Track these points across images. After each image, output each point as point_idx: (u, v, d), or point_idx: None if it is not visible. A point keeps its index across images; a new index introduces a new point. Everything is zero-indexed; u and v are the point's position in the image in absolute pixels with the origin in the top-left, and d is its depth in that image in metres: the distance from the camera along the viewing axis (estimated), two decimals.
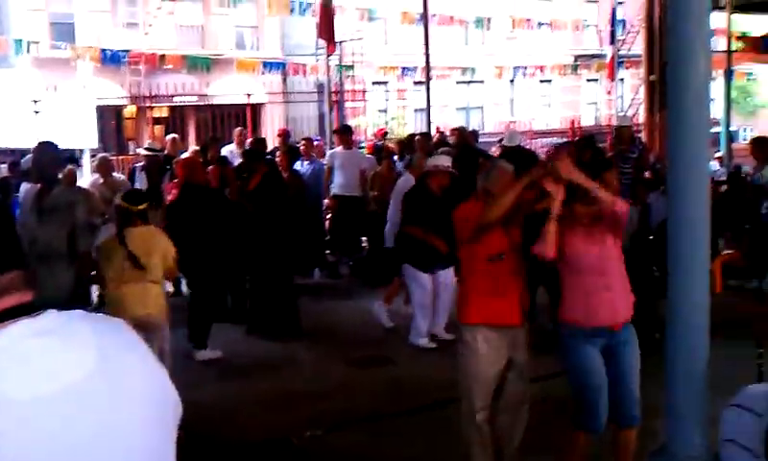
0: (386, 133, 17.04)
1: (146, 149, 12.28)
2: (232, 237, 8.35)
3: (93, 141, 19.42)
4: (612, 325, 4.56)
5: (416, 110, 24.95)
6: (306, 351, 8.30)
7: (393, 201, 9.31)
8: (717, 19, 18.85)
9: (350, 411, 6.59)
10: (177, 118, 21.21)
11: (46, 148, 8.31)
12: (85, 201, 8.22)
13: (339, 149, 12.27)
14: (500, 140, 12.93)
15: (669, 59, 2.25)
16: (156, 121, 22.66)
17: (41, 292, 1.56)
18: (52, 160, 8.10)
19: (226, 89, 21.50)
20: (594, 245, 4.57)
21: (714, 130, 21.87)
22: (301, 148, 12.68)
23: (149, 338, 6.01)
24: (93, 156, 16.87)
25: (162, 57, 20.57)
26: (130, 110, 26.42)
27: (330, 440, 6.08)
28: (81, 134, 18.60)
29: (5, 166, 15.25)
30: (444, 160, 8.24)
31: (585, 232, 4.59)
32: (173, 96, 19.45)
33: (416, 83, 23.77)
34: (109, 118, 21.59)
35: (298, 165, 12.17)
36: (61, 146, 17.44)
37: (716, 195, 11.62)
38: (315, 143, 13.99)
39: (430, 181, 8.00)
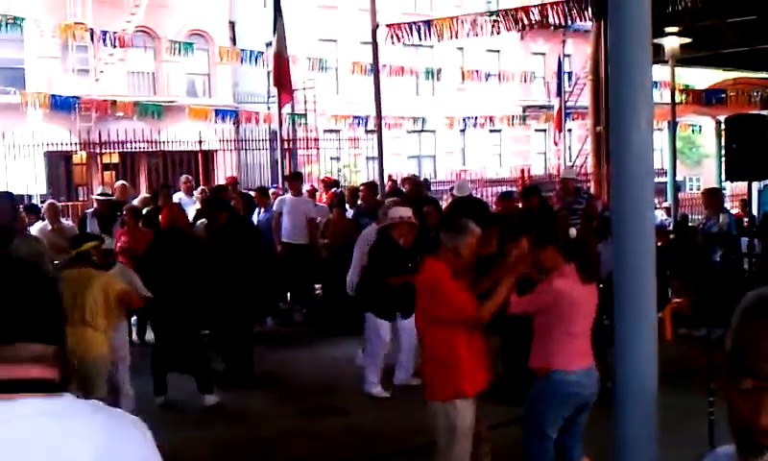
0: (336, 181, 17.12)
1: (99, 194, 12.20)
2: (202, 284, 8.16)
3: (42, 187, 19.26)
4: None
5: (368, 158, 25.12)
6: (260, 400, 8.24)
7: (357, 248, 9.20)
8: (662, 72, 19.38)
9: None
10: (128, 164, 21.07)
11: (2, 199, 8.12)
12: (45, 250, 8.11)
13: (288, 195, 12.28)
14: (451, 189, 13.10)
15: (611, 113, 2.36)
16: (107, 167, 22.50)
17: None
18: (8, 212, 7.92)
19: (177, 136, 21.44)
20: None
21: (660, 180, 22.38)
22: (255, 197, 12.70)
23: (91, 379, 5.96)
24: (42, 201, 16.67)
25: (114, 103, 20.48)
26: (79, 156, 26.17)
27: None
28: (29, 180, 18.45)
29: None
30: (406, 212, 8.24)
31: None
32: (124, 142, 19.35)
33: (367, 131, 23.96)
34: (59, 164, 21.37)
35: (255, 213, 12.21)
36: (11, 191, 17.27)
37: (664, 243, 11.91)
38: (271, 191, 14.05)
39: (393, 232, 8.03)
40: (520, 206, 11.03)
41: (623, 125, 2.30)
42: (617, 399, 2.37)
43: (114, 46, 22.45)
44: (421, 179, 17.22)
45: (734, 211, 15.59)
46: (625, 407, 2.39)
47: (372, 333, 8.24)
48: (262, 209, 12.38)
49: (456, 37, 16.78)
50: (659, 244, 11.48)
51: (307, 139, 23.31)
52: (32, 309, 1.51)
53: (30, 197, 18.84)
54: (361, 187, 13.36)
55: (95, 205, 12.08)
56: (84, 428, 1.47)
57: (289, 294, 12.59)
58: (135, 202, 12.18)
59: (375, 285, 8.11)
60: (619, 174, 2.34)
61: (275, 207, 12.18)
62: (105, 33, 19.04)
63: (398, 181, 15.24)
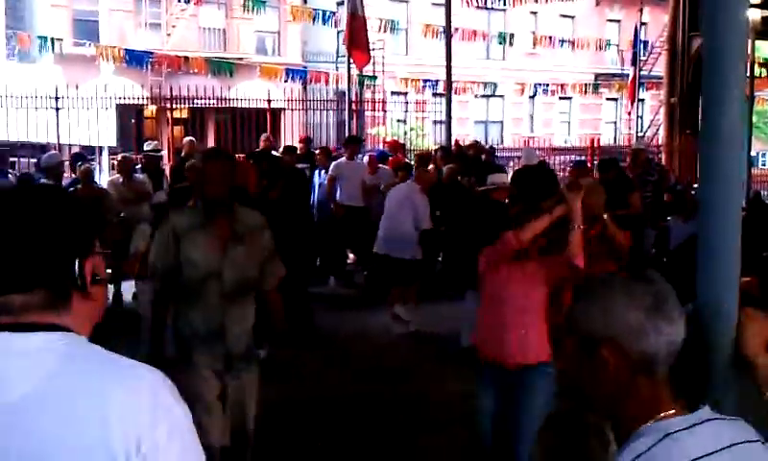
0: (400, 143, 16.95)
1: (148, 150, 12.32)
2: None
3: (112, 139, 19.54)
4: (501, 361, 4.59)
5: (434, 122, 24.92)
6: (317, 359, 8.26)
7: (413, 214, 9.23)
8: None
9: (359, 424, 6.57)
10: (197, 120, 21.26)
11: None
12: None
13: (343, 160, 12.21)
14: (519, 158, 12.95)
15: (703, 88, 2.23)
16: (176, 122, 22.75)
17: None
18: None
19: (247, 94, 21.55)
20: (520, 281, 4.56)
21: None
22: (317, 156, 12.68)
23: None
24: (112, 153, 16.94)
25: (186, 59, 20.65)
26: (150, 110, 26.54)
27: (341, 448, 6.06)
28: (100, 132, 18.75)
29: (25, 161, 15.33)
30: (501, 178, 8.14)
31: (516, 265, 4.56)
32: (194, 98, 19.53)
33: (435, 94, 23.78)
34: (129, 117, 21.68)
35: (316, 174, 12.21)
36: (82, 143, 17.59)
37: None
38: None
39: (494, 196, 7.86)
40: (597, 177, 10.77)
41: (715, 101, 2.18)
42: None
43: (188, 1, 22.61)
44: (487, 146, 17.06)
45: None
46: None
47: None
48: (323, 170, 12.34)
49: (533, 0, 16.48)
50: None
51: (374, 101, 23.23)
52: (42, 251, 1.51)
53: (101, 148, 19.19)
54: (437, 150, 13.22)
55: (143, 159, 12.20)
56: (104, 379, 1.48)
57: (352, 255, 12.60)
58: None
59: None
60: (707, 150, 2.22)
61: (330, 171, 12.04)
62: None
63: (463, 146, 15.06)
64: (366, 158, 12.83)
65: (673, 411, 1.69)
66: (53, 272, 1.51)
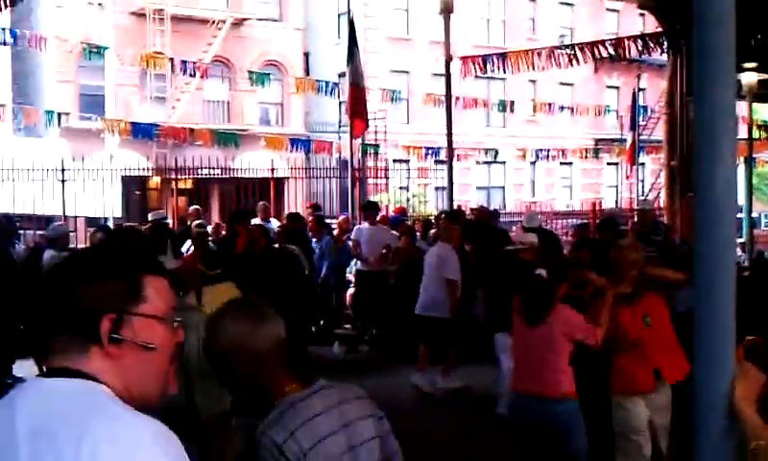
0: (404, 210, 17.17)
1: (152, 219, 12.48)
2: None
3: (117, 210, 19.73)
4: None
5: (436, 188, 25.14)
6: None
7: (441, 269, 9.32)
8: (739, 108, 19.00)
9: None
10: (201, 190, 21.49)
11: None
12: None
13: (365, 225, 12.43)
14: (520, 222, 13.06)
15: (695, 148, 2.32)
16: (181, 192, 22.96)
17: None
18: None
19: (251, 164, 21.80)
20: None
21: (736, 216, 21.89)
22: (311, 225, 12.80)
23: None
24: (117, 224, 17.07)
25: (191, 131, 20.94)
26: (154, 182, 26.80)
27: None
28: (106, 203, 18.94)
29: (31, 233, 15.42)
30: (530, 237, 8.42)
31: None
32: (198, 169, 19.75)
33: (437, 161, 24.02)
34: (134, 188, 21.91)
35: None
36: (88, 214, 17.73)
37: (740, 280, 11.61)
38: (341, 218, 14.27)
39: (522, 255, 7.97)
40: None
41: (707, 160, 2.26)
42: (698, 435, 2.31)
43: (192, 76, 22.99)
44: (492, 209, 17.21)
45: None
46: (700, 440, 2.33)
47: (504, 354, 7.92)
48: (314, 239, 12.51)
49: (532, 69, 16.76)
50: None
51: (376, 169, 23.45)
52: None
53: (106, 219, 19.34)
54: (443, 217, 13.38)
55: (149, 229, 12.31)
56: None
57: (359, 322, 12.66)
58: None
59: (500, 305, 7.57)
60: (702, 210, 2.29)
61: (353, 236, 12.38)
62: (185, 63, 19.50)
63: (467, 212, 15.22)
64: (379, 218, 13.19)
65: (295, 386, 2.39)
66: (75, 321, 1.57)
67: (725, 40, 2.25)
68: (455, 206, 15.39)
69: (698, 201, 2.28)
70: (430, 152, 23.75)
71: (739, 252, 18.46)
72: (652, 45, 15.41)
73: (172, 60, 20.55)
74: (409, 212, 19.75)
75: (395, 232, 12.72)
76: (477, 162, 32.25)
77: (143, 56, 20.77)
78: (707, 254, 2.30)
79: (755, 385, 2.17)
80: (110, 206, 19.21)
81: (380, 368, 10.56)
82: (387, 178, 23.44)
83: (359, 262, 12.16)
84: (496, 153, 28.87)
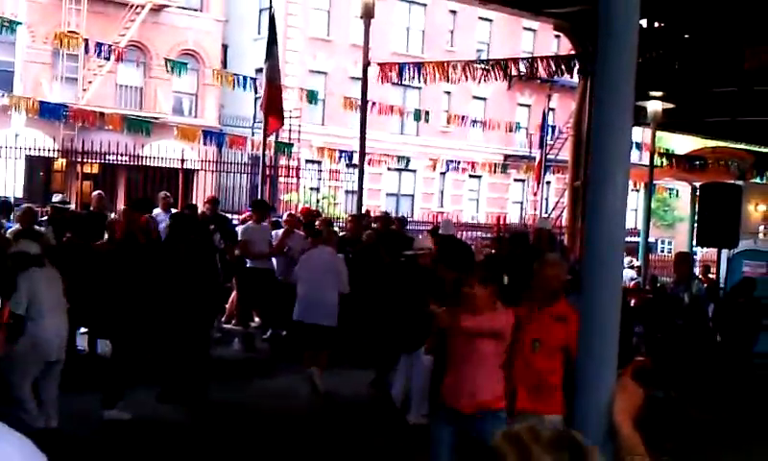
0: (311, 211, 17.11)
1: (55, 202, 12.23)
2: (161, 295, 8.12)
3: (19, 190, 19.19)
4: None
5: (347, 192, 25.23)
6: (213, 420, 8.15)
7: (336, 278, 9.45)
8: (644, 134, 19.70)
9: None
10: (107, 176, 21.05)
11: None
12: None
13: (251, 223, 12.32)
14: (433, 228, 13.43)
15: (590, 171, 2.48)
16: (86, 176, 22.45)
17: None
18: None
19: (161, 153, 21.48)
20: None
21: (633, 239, 22.68)
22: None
23: None
24: (16, 204, 16.60)
25: (102, 115, 20.50)
26: (60, 163, 26.13)
27: None
28: (8, 182, 18.41)
29: None
30: (428, 243, 9.12)
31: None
32: (105, 154, 19.36)
33: (348, 165, 24.11)
34: (38, 169, 21.32)
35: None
36: None
37: (638, 302, 12.13)
38: (245, 215, 14.18)
39: (420, 260, 8.53)
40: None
41: (600, 182, 2.42)
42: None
43: (107, 58, 22.50)
44: (399, 216, 17.42)
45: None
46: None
47: (419, 361, 7.96)
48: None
49: (447, 81, 17.01)
50: (632, 302, 11.71)
51: (288, 168, 23.41)
52: None
53: (6, 198, 18.79)
54: (349, 218, 13.54)
55: (50, 211, 12.11)
56: None
57: (258, 319, 12.63)
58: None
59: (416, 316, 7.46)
60: (592, 230, 2.44)
61: (240, 234, 12.21)
62: (99, 44, 19.06)
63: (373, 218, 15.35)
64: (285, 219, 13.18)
65: None
66: None
67: (625, 66, 2.39)
68: (363, 211, 15.53)
69: (588, 220, 2.43)
70: (343, 155, 23.84)
71: (633, 273, 19.17)
72: (563, 68, 15.84)
73: (87, 40, 20.04)
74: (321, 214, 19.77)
75: (300, 232, 12.63)
76: (389, 169, 32.48)
77: (57, 34, 20.18)
78: (593, 273, 2.44)
79: (632, 399, 2.19)
80: (12, 186, 18.68)
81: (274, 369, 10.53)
82: (298, 177, 23.47)
83: (247, 260, 12.00)
84: (408, 161, 29.22)
